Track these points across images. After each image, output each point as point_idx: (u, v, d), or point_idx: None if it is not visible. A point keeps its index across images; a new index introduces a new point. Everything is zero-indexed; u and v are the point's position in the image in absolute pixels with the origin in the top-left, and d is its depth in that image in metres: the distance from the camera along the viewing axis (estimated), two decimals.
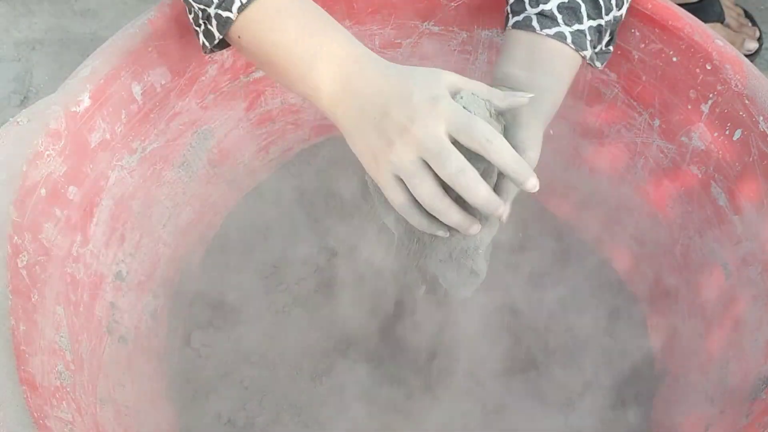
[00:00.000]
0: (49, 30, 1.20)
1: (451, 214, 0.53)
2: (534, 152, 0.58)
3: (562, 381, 0.76)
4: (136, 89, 0.65)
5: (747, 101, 0.63)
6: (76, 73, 0.61)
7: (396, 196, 0.54)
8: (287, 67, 0.56)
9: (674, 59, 0.67)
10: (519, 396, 0.76)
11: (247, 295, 0.81)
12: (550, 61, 0.62)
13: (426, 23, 0.78)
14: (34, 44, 1.18)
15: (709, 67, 0.65)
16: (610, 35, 0.66)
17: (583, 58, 0.63)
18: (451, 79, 0.54)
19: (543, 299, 0.81)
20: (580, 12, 0.62)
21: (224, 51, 0.71)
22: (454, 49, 0.80)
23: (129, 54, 0.63)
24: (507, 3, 0.66)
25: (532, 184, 0.52)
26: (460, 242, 0.59)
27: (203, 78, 0.71)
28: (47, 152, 0.58)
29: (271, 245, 0.85)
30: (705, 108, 0.67)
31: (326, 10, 0.75)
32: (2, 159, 0.54)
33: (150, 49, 0.65)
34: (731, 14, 1.15)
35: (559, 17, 0.62)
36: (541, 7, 0.63)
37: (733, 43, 1.04)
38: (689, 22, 0.66)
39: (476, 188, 0.51)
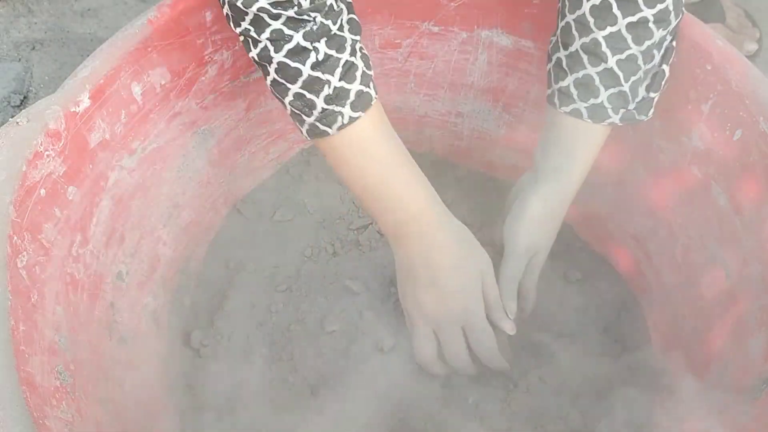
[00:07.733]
0: (49, 30, 1.20)
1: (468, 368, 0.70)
2: (530, 301, 0.74)
3: (561, 379, 0.76)
4: (136, 89, 0.65)
5: (747, 101, 0.63)
6: (76, 73, 0.61)
7: (424, 347, 0.69)
8: (364, 196, 0.63)
9: (674, 59, 0.67)
10: (517, 391, 0.76)
11: (248, 295, 0.81)
12: (564, 140, 0.65)
13: (426, 23, 0.78)
14: (34, 44, 1.18)
15: (709, 67, 0.65)
16: (651, 80, 0.63)
17: (611, 125, 0.64)
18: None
19: (542, 298, 0.81)
20: (594, 86, 0.62)
21: (224, 51, 0.71)
22: (454, 49, 0.80)
23: (129, 54, 0.63)
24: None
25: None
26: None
27: (203, 78, 0.71)
28: (47, 152, 0.58)
29: (271, 245, 0.85)
30: (705, 108, 0.67)
31: None
32: (2, 159, 0.54)
33: (150, 49, 0.65)
34: (732, 15, 1.15)
35: (575, 93, 0.63)
36: (560, 84, 0.63)
37: (733, 44, 1.03)
38: (689, 22, 0.66)
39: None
